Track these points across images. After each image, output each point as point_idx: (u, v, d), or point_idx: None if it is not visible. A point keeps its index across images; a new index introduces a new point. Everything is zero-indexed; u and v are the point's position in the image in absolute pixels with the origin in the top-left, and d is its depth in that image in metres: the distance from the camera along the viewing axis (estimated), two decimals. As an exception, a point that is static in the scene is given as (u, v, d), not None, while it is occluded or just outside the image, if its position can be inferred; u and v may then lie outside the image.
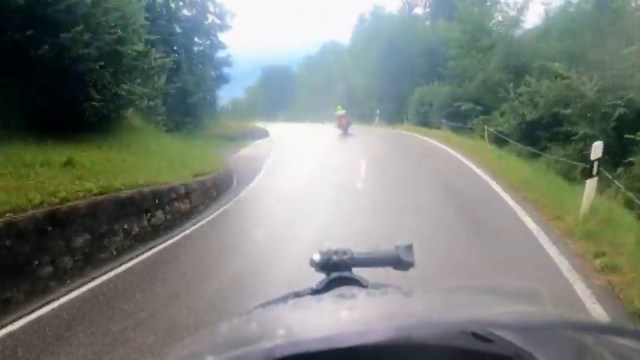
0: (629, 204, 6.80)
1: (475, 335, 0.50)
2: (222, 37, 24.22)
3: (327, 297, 0.51)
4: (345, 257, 0.85)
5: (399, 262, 0.87)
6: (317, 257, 0.85)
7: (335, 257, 0.85)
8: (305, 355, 0.33)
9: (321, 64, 43.41)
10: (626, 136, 9.55)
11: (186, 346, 0.44)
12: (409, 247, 0.88)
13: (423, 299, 0.49)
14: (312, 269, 0.86)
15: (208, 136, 20.17)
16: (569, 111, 12.39)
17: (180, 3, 22.38)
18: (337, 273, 0.83)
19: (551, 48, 17.48)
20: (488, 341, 0.49)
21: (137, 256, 5.47)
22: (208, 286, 4.43)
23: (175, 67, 17.95)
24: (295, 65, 61.44)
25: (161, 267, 5.21)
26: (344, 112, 20.21)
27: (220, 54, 25.49)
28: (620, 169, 9.56)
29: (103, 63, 8.32)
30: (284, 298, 0.76)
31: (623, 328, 0.42)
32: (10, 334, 3.59)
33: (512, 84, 15.92)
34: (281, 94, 57.83)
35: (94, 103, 8.44)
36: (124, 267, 5.09)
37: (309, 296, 0.74)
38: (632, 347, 0.43)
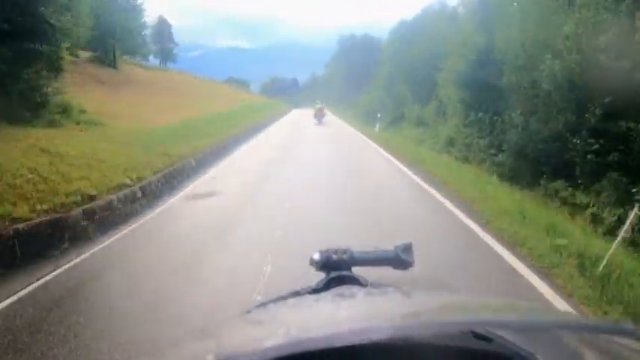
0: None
1: (475, 335, 0.50)
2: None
3: (327, 296, 0.53)
4: (344, 256, 0.85)
5: (398, 261, 0.86)
6: (316, 256, 0.85)
7: (334, 256, 0.85)
8: (305, 354, 0.33)
9: (417, 32, 28.75)
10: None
11: (187, 345, 0.45)
12: (409, 247, 0.87)
13: (423, 299, 0.49)
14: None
15: None
16: None
17: None
18: (337, 272, 0.83)
19: None
20: (488, 341, 0.49)
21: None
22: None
23: None
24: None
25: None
26: (321, 105, 29.49)
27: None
28: None
29: None
30: (283, 298, 0.77)
31: (622, 328, 0.40)
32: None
33: None
34: (363, 69, 48.84)
35: None
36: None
37: (308, 295, 0.75)
38: (631, 347, 0.42)
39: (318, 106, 29.35)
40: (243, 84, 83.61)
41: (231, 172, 10.38)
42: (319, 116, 28.41)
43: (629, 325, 0.39)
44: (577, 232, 6.34)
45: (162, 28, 59.83)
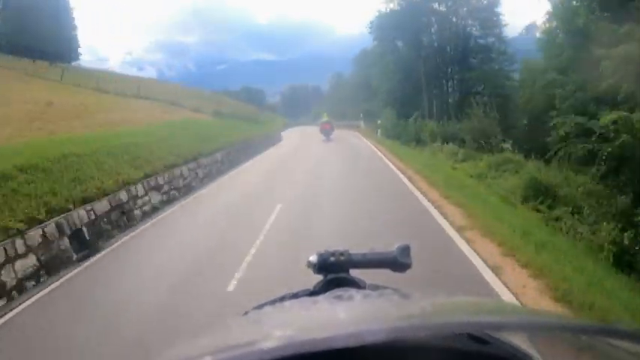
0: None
1: (471, 337, 0.49)
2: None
3: (324, 298, 0.53)
4: (342, 258, 0.85)
5: (396, 263, 0.85)
6: (314, 258, 0.85)
7: (332, 258, 0.85)
8: (302, 356, 0.33)
9: None
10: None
11: (184, 347, 0.45)
12: (406, 249, 0.86)
13: (420, 301, 0.49)
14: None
15: None
16: None
17: None
18: (334, 274, 0.83)
19: None
20: (484, 343, 0.49)
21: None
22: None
23: None
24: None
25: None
26: (328, 119, 25.48)
27: None
28: None
29: None
30: (281, 300, 0.77)
31: (620, 330, 0.40)
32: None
33: None
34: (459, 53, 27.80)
35: None
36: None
37: (306, 297, 0.75)
38: (628, 349, 0.42)
39: (324, 119, 26.27)
40: (257, 93, 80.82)
41: None
42: (326, 131, 25.00)
43: (627, 327, 0.38)
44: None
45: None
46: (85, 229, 7.82)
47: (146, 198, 10.38)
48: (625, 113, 11.43)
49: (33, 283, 6.37)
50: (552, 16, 21.71)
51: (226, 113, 27.82)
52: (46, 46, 29.75)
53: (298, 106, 79.07)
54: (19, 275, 6.21)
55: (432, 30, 28.41)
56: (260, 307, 0.71)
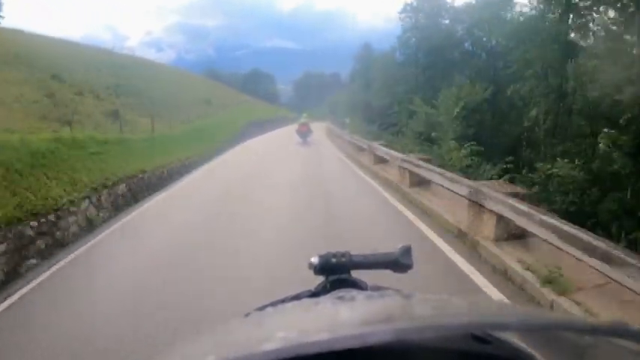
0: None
1: (474, 337, 0.49)
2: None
3: (326, 299, 0.52)
4: (343, 260, 0.85)
5: (397, 264, 0.85)
6: (315, 260, 0.85)
7: (333, 260, 0.85)
8: (304, 358, 0.33)
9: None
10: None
11: (185, 349, 0.45)
12: (408, 250, 0.86)
13: (422, 302, 0.48)
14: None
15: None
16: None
17: None
18: (336, 276, 0.83)
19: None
20: (487, 343, 0.49)
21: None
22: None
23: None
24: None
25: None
26: (307, 120, 23.44)
27: None
28: None
29: None
30: (282, 301, 0.78)
31: (623, 330, 0.39)
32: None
33: None
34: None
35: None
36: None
37: (307, 299, 0.75)
38: (631, 349, 0.42)
39: (303, 120, 23.53)
40: (266, 78, 76.20)
41: None
42: (303, 133, 22.36)
43: (629, 326, 0.38)
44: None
45: None
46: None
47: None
48: None
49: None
50: None
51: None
52: None
53: (312, 97, 72.95)
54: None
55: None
56: (261, 308, 0.71)
